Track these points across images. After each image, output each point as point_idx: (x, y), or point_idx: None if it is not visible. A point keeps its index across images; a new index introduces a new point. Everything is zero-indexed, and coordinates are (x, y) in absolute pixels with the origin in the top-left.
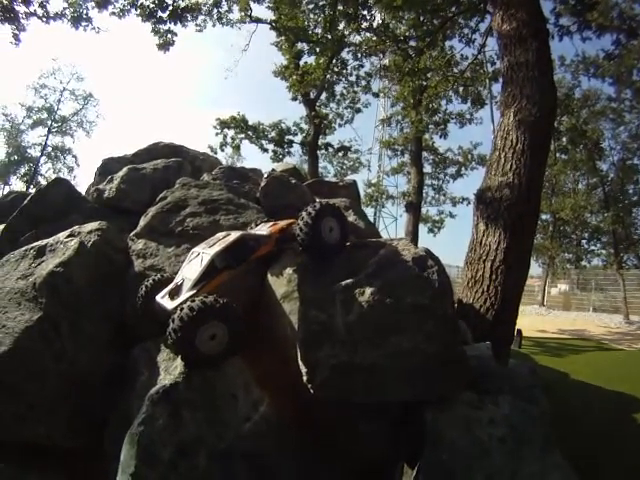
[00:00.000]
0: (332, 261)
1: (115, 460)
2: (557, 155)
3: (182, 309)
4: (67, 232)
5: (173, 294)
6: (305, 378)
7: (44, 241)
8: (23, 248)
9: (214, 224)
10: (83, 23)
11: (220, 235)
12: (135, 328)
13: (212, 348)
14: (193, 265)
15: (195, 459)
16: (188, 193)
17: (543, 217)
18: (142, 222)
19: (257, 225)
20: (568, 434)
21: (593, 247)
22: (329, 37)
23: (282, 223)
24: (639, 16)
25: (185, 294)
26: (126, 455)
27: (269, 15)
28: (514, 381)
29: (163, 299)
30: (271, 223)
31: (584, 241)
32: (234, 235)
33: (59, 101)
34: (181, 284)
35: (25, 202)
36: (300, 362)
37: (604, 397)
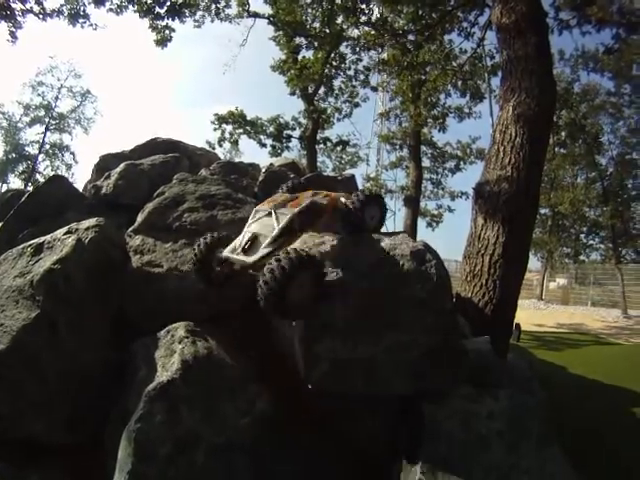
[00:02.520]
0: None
1: (115, 457)
2: (556, 149)
3: (279, 260)
4: (64, 229)
5: (247, 250)
6: (302, 372)
7: (41, 238)
8: (20, 246)
9: (212, 219)
10: (80, 20)
11: (279, 197)
12: (134, 324)
13: (302, 296)
14: (264, 223)
15: (193, 455)
16: (186, 188)
17: (542, 211)
18: (139, 218)
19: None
20: (565, 427)
21: (592, 241)
22: (327, 31)
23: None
24: (639, 11)
25: (264, 249)
26: (123, 453)
27: (267, 10)
28: (513, 375)
29: (234, 254)
30: (290, 196)
31: (582, 235)
32: (307, 199)
33: (57, 98)
34: (254, 240)
35: (22, 200)
36: (298, 357)
37: (601, 391)
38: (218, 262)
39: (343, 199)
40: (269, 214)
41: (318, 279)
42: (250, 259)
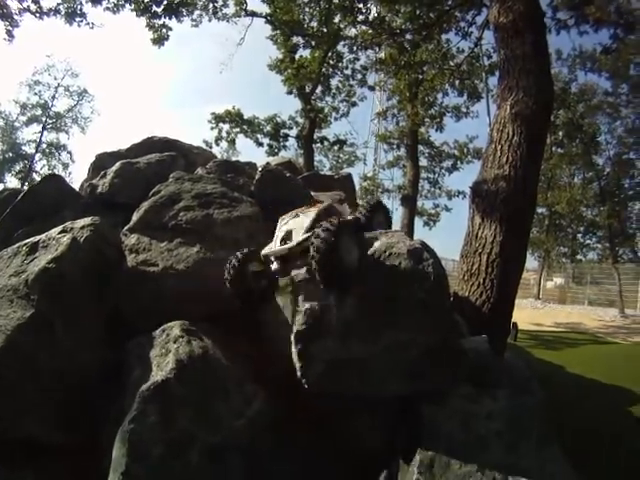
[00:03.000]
0: None
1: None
2: (553, 149)
3: (321, 225)
4: (59, 228)
5: (283, 243)
6: (299, 373)
7: (37, 237)
8: (16, 245)
9: (207, 218)
10: (77, 19)
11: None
12: (129, 323)
13: (350, 262)
14: (294, 222)
15: (187, 456)
16: (182, 187)
17: (539, 211)
18: (135, 217)
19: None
20: (564, 426)
21: (588, 241)
22: (325, 30)
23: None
24: (637, 10)
25: (301, 237)
26: (117, 453)
27: (264, 9)
28: (511, 374)
29: (274, 248)
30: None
31: (579, 235)
32: (327, 203)
33: (53, 97)
34: (289, 234)
35: (18, 199)
36: (294, 357)
37: (600, 390)
38: (254, 276)
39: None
40: (296, 215)
41: (360, 246)
42: (290, 244)
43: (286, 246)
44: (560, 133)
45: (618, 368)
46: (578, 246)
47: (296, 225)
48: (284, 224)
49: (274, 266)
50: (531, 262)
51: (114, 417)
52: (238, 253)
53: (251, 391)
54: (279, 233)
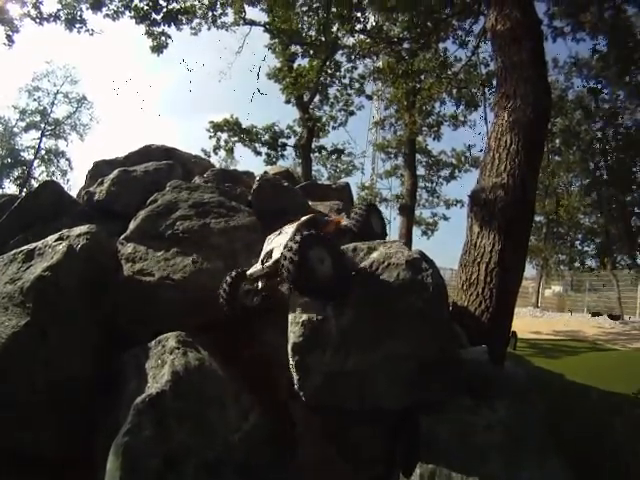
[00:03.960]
0: None
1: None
2: (550, 157)
3: (289, 245)
4: (56, 235)
5: (265, 261)
6: (296, 385)
7: (33, 245)
8: (12, 252)
9: (204, 227)
10: (77, 25)
11: (282, 228)
12: (125, 333)
13: (324, 271)
14: (276, 240)
15: (183, 470)
16: (179, 196)
17: (537, 219)
18: (132, 225)
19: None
20: (564, 435)
21: (587, 248)
22: (323, 39)
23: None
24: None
25: (277, 255)
26: (111, 467)
27: (263, 17)
28: (511, 385)
29: (256, 268)
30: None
31: (578, 242)
32: (308, 215)
33: (53, 104)
34: (270, 254)
35: (14, 205)
36: (291, 368)
37: (600, 397)
38: (247, 295)
39: (344, 221)
40: (279, 233)
41: (335, 255)
42: (267, 264)
43: (264, 266)
44: (557, 141)
45: (618, 374)
46: (576, 254)
47: (277, 243)
48: (269, 243)
49: (260, 284)
50: (529, 270)
51: (109, 429)
52: (227, 277)
53: (248, 404)
54: (262, 253)
